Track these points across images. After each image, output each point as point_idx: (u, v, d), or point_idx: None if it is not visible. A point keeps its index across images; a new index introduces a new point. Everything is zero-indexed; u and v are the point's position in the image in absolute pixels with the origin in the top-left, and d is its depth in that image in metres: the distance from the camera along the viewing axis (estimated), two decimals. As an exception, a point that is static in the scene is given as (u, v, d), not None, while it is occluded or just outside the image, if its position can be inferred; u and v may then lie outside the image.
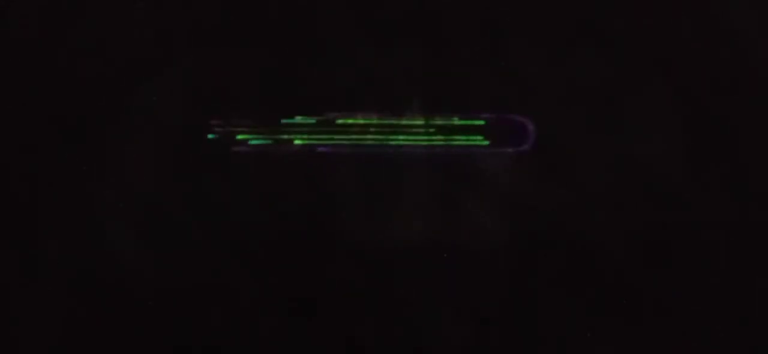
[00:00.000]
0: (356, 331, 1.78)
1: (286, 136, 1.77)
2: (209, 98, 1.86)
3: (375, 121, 1.76)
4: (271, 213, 1.81)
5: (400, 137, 1.78)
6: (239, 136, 1.78)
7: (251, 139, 1.77)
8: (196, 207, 1.83)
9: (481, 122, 1.80)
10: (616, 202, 1.84)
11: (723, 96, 1.85)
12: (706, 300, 1.80)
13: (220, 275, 1.81)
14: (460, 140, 1.81)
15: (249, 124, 1.79)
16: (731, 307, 1.79)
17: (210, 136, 1.80)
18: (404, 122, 1.78)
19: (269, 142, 1.78)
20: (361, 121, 1.76)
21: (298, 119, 1.77)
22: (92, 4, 1.90)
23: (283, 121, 1.77)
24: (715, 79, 1.85)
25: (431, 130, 1.80)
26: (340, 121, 1.75)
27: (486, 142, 1.79)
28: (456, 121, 1.80)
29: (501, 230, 1.83)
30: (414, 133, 1.79)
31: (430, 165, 1.82)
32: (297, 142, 1.76)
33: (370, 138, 1.76)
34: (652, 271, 1.82)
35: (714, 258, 1.80)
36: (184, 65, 1.88)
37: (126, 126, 1.86)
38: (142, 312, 1.79)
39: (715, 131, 1.85)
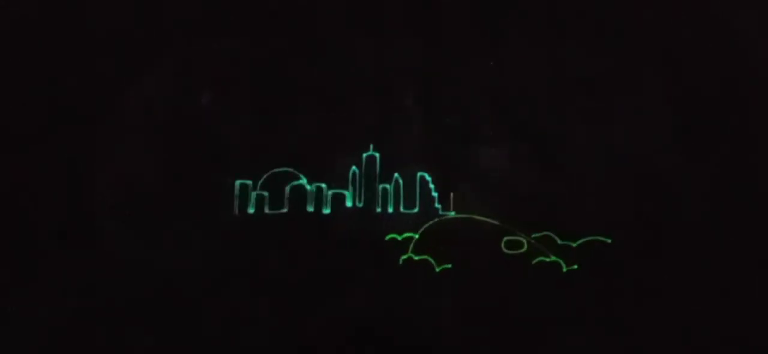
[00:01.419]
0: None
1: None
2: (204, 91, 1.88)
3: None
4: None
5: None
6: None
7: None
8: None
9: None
10: (610, 196, 1.86)
11: (719, 92, 1.88)
12: (700, 293, 1.82)
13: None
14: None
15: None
16: (724, 300, 1.81)
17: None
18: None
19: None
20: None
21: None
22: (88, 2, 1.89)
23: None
24: (712, 75, 1.88)
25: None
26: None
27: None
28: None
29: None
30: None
31: None
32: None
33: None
34: (647, 264, 1.84)
35: (707, 252, 1.83)
36: (179, 58, 1.88)
37: (121, 120, 1.86)
38: (139, 308, 1.79)
39: (710, 127, 1.87)
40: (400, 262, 1.91)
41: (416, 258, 1.92)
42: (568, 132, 1.94)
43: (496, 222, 1.95)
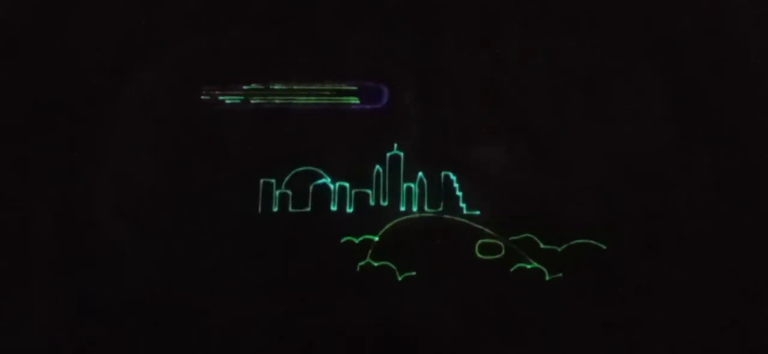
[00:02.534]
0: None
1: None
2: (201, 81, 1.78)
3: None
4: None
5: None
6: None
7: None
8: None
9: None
10: (605, 191, 1.72)
11: (714, 86, 1.76)
12: (694, 287, 1.69)
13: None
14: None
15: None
16: (718, 295, 1.68)
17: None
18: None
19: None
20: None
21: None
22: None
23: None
24: (707, 69, 1.76)
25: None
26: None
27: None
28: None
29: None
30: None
31: None
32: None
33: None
34: (643, 273, 1.69)
35: (701, 246, 1.70)
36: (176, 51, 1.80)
37: (120, 114, 1.77)
38: (137, 304, 1.71)
39: (704, 121, 1.74)
40: (357, 269, 1.72)
41: (375, 264, 1.71)
42: (553, 125, 1.76)
43: (468, 222, 1.73)
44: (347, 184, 1.75)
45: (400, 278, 1.71)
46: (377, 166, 1.76)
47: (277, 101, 1.77)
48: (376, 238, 1.73)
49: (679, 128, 1.73)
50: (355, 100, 1.77)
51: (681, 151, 1.72)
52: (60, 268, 1.72)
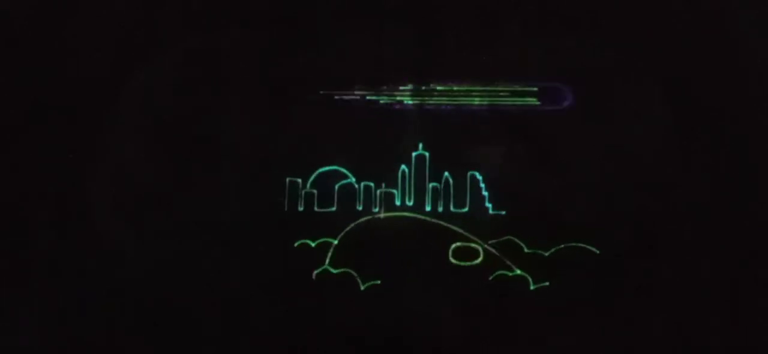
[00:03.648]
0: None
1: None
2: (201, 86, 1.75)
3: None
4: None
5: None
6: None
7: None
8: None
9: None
10: (599, 191, 1.66)
11: (714, 86, 1.70)
12: (693, 294, 1.63)
13: None
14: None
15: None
16: (717, 295, 1.63)
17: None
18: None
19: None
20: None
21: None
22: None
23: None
24: (707, 69, 1.71)
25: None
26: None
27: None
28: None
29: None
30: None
31: None
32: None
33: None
34: (637, 264, 1.63)
35: (699, 246, 1.64)
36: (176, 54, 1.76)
37: (118, 116, 1.74)
38: (136, 306, 1.69)
39: (704, 121, 1.69)
40: (313, 277, 1.61)
41: (334, 271, 1.61)
42: (547, 124, 1.69)
43: (442, 223, 1.62)
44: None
45: (362, 288, 1.60)
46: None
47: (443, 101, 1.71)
48: (336, 242, 1.61)
49: (678, 128, 1.68)
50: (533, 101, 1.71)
51: (680, 151, 1.67)
52: (60, 268, 1.69)
